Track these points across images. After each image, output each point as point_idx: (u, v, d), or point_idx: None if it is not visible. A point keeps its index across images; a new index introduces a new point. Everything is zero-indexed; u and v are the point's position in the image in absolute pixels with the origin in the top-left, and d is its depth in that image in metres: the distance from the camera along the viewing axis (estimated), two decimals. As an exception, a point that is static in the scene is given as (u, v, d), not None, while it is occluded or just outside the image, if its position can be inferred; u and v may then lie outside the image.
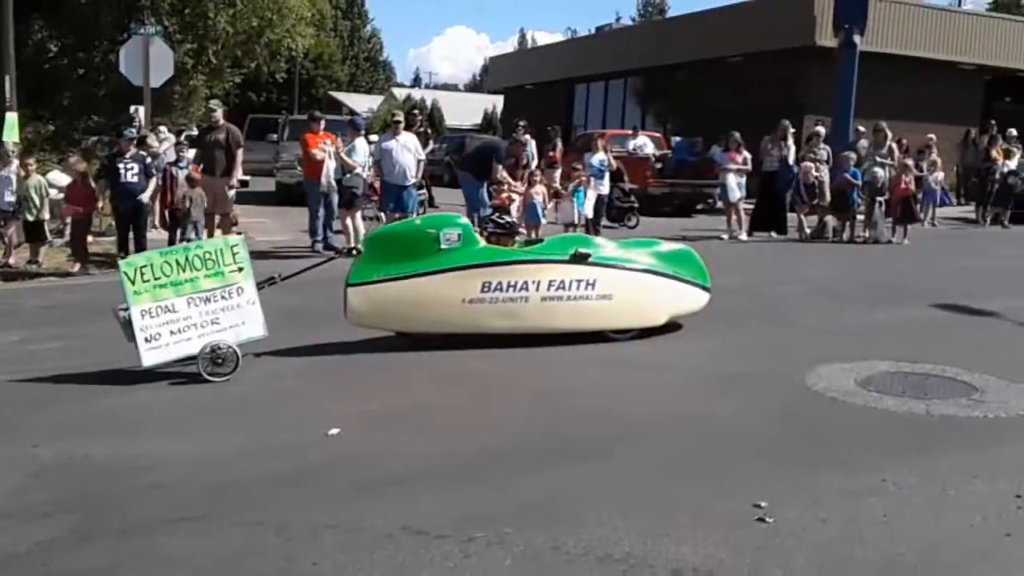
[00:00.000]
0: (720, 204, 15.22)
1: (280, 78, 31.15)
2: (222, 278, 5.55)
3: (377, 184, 11.97)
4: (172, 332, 5.35)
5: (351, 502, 3.53)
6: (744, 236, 13.22)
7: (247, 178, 15.04)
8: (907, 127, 17.61)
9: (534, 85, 32.04)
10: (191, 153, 11.61)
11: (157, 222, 11.86)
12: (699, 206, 18.28)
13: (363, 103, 49.20)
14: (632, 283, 6.51)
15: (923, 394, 5.00)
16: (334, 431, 4.35)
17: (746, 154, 13.53)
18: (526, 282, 6.23)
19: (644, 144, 19.15)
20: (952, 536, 3.21)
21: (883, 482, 3.68)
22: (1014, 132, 17.23)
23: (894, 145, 14.44)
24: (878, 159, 13.48)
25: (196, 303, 5.45)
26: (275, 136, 20.49)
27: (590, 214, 12.82)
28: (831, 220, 13.27)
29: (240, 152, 11.17)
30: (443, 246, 6.18)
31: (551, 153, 16.55)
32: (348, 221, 11.21)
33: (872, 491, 3.60)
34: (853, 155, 13.66)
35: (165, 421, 4.71)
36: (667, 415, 4.72)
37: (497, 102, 41.65)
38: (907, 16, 22.29)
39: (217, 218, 10.90)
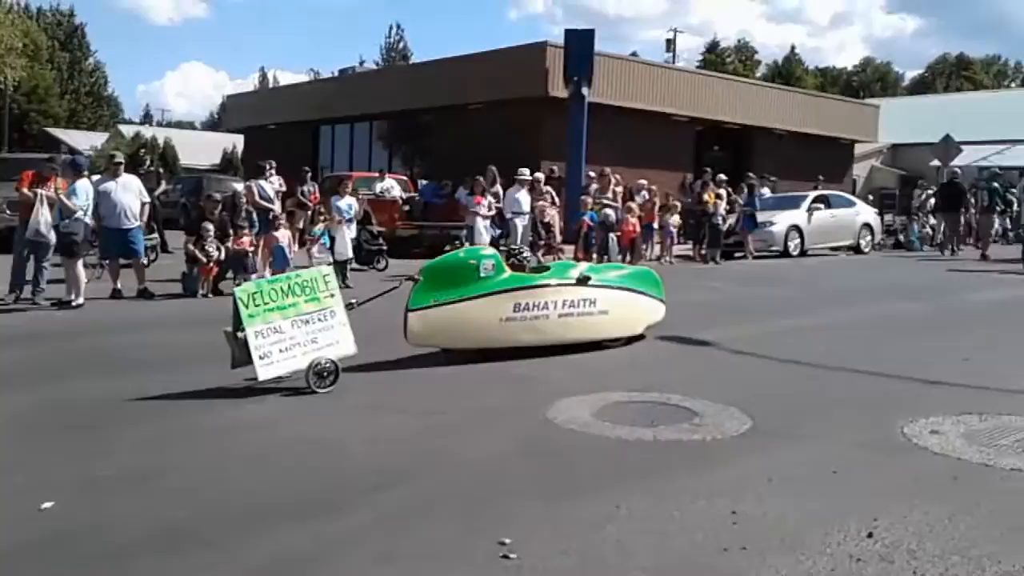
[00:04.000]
0: (468, 245, 15.65)
1: (-14, 112, 28.16)
2: (318, 303, 6.30)
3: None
4: (280, 350, 6.02)
5: (66, 582, 3.18)
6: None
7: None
8: (633, 173, 19.11)
9: (277, 125, 31.35)
10: None
11: None
12: (447, 247, 18.61)
13: (85, 140, 45.64)
14: (621, 300, 7.95)
15: (651, 422, 5.35)
16: (47, 504, 3.91)
17: (491, 198, 14.05)
18: (547, 302, 7.45)
19: (391, 187, 19.32)
20: (678, 554, 3.44)
21: (617, 508, 3.88)
22: (723, 177, 19.26)
23: (618, 189, 15.64)
24: (605, 201, 14.52)
25: (299, 324, 6.15)
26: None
27: (350, 254, 12.69)
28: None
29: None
30: (482, 274, 7.25)
31: (312, 195, 16.28)
32: (70, 271, 10.24)
33: (608, 518, 3.78)
34: (588, 199, 14.61)
35: None
36: (412, 459, 4.69)
37: (237, 141, 40.27)
38: (628, 71, 24.34)
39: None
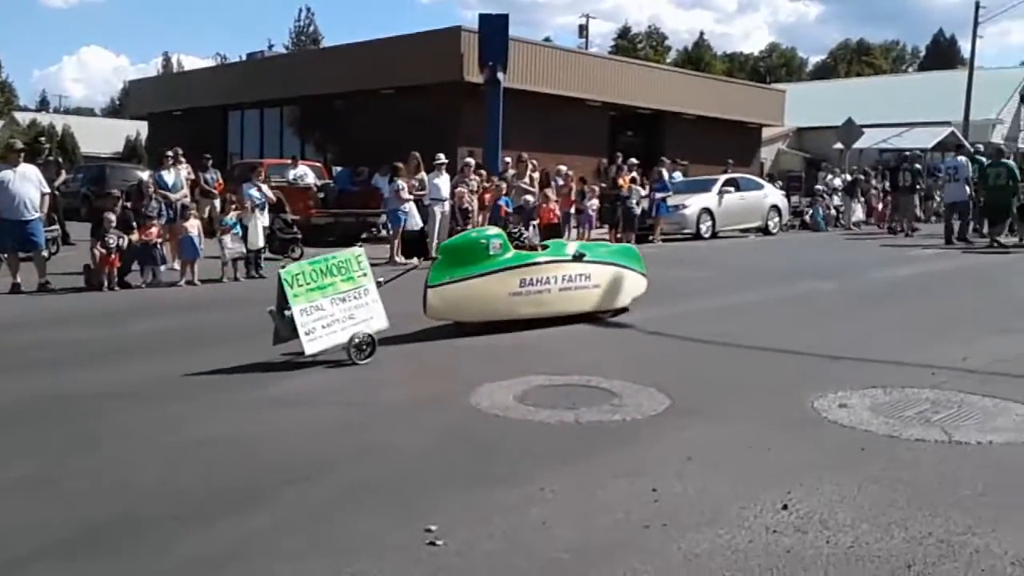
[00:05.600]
0: (384, 233, 15.48)
1: None
2: (353, 282, 6.78)
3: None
4: (323, 326, 6.47)
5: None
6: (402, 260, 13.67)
7: None
8: (549, 158, 19.21)
9: (183, 111, 30.39)
10: None
11: None
12: (364, 235, 18.43)
13: (-21, 128, 43.41)
14: (611, 275, 8.59)
15: (572, 404, 5.40)
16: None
17: (415, 183, 13.98)
18: (548, 277, 8.07)
19: (305, 174, 18.96)
20: (601, 533, 3.49)
21: (541, 491, 3.92)
22: (634, 161, 19.52)
23: (535, 175, 15.71)
24: (522, 186, 14.57)
25: (337, 302, 6.61)
26: None
27: (261, 243, 12.41)
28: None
29: None
30: (491, 253, 7.78)
31: (217, 183, 15.85)
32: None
33: (532, 500, 3.82)
34: (504, 184, 14.62)
35: None
36: (332, 450, 4.63)
37: (141, 128, 38.94)
38: (542, 56, 24.40)
39: None
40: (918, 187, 20.93)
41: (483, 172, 15.39)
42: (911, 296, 10.68)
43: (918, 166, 21.17)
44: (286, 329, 6.51)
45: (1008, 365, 6.39)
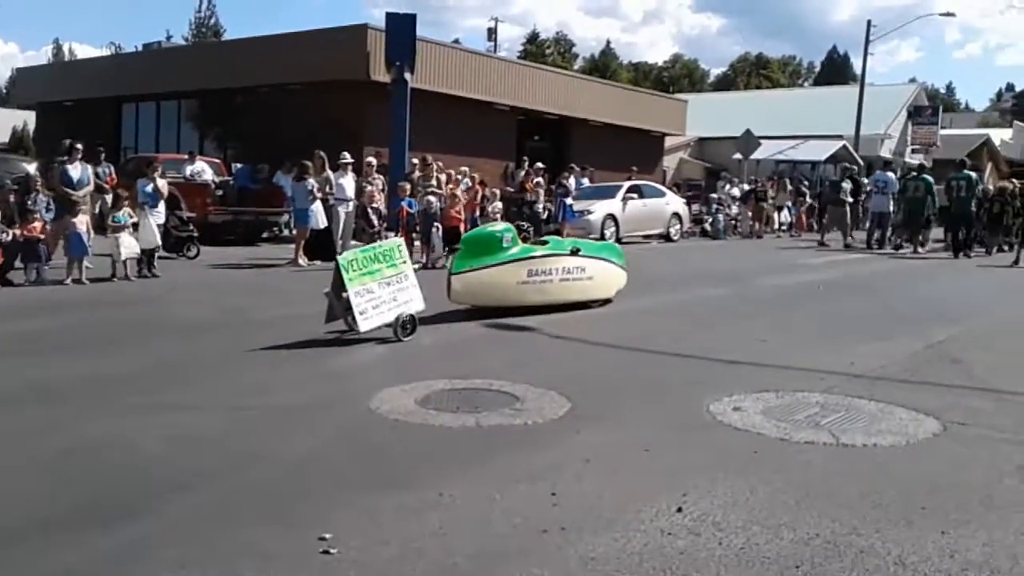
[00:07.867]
0: (287, 232, 15.12)
1: None
2: (396, 268, 7.64)
3: None
4: (373, 307, 7.25)
5: None
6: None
7: None
8: (456, 160, 19.14)
9: (74, 102, 29.06)
10: None
11: None
12: (264, 235, 17.99)
13: None
14: (601, 268, 9.58)
15: (474, 408, 5.37)
16: None
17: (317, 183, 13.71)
18: (551, 269, 9.04)
19: (202, 170, 18.35)
20: (499, 539, 3.46)
21: (440, 496, 3.86)
22: (541, 165, 19.65)
23: (442, 177, 15.61)
24: (429, 189, 14.45)
25: (384, 286, 7.41)
26: None
27: (157, 242, 11.97)
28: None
29: None
30: (504, 245, 8.76)
31: (109, 177, 15.20)
32: None
33: (430, 506, 3.76)
34: (408, 185, 14.47)
35: None
36: (219, 457, 4.45)
37: (29, 118, 37.12)
38: (450, 58, 24.32)
39: None
40: (853, 200, 21.73)
41: (373, 170, 15.19)
42: (802, 303, 11.04)
43: (860, 178, 22.18)
44: (340, 309, 7.35)
45: (892, 370, 6.65)
